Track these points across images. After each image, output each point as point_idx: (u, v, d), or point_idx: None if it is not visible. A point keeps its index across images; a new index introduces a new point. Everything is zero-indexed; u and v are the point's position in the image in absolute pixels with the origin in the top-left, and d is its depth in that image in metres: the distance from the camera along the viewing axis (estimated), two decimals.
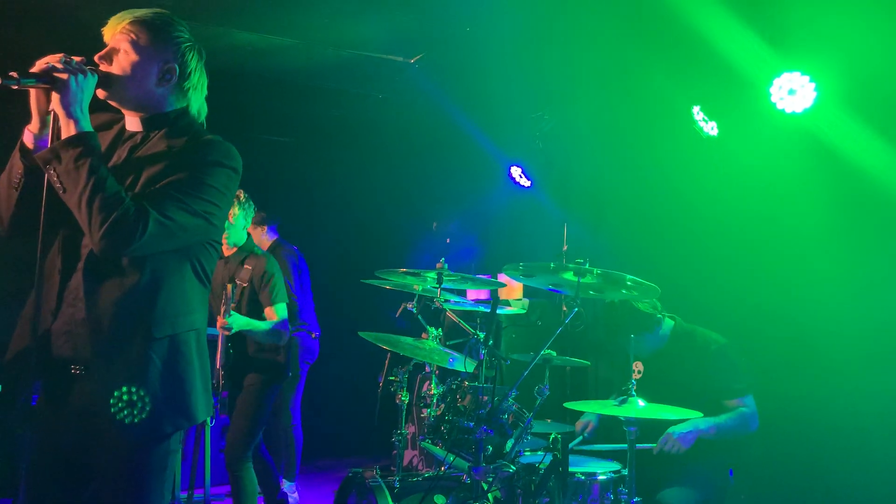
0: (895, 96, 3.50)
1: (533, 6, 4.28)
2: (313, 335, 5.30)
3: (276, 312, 3.88)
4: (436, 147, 6.61)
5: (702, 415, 3.00)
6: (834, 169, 3.72)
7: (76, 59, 1.84)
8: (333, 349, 5.63)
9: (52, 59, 1.81)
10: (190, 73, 2.04)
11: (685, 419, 3.07)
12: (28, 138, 1.89)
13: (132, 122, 2.04)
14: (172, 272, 1.95)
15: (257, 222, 5.10)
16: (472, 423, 2.89)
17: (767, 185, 4.07)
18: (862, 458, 3.61)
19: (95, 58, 1.93)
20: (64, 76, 1.79)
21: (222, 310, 3.65)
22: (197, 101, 2.10)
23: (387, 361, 4.32)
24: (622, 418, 2.86)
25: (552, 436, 3.01)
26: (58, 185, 1.80)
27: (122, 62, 1.94)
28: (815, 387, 3.82)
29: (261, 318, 3.87)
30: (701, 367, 3.36)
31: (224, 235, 3.86)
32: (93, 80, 1.86)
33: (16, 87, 1.77)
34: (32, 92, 1.86)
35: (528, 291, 5.58)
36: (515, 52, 4.79)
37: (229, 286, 3.67)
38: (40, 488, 1.93)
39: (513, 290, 5.63)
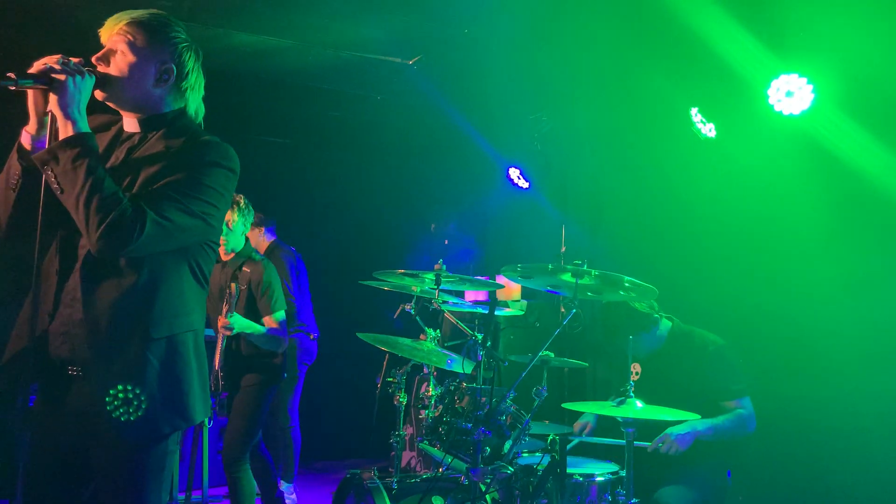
0: (893, 98, 3.50)
1: (531, 8, 4.28)
2: (311, 336, 5.30)
3: (276, 321, 3.89)
4: (434, 148, 6.61)
5: (699, 416, 3.00)
6: (831, 170, 3.72)
7: (74, 60, 1.84)
8: (332, 350, 5.63)
9: (50, 60, 1.81)
10: (187, 73, 2.04)
11: (683, 420, 3.07)
12: (26, 139, 1.89)
13: (130, 123, 2.04)
14: (170, 273, 1.95)
15: (255, 224, 5.10)
16: (470, 425, 2.90)
17: (765, 187, 4.07)
18: (860, 459, 3.61)
19: (93, 59, 1.93)
20: (62, 77, 1.79)
21: (224, 309, 3.65)
22: (194, 102, 2.10)
23: (385, 363, 4.32)
24: (620, 419, 2.86)
25: (550, 437, 3.01)
26: (55, 185, 1.80)
27: (119, 63, 1.94)
28: (813, 388, 3.82)
29: (258, 324, 3.88)
30: (698, 369, 3.36)
31: (222, 241, 3.87)
32: (90, 81, 1.86)
33: (14, 88, 1.78)
34: (30, 93, 1.86)
35: (526, 293, 5.58)
36: (514, 54, 4.79)
37: (233, 285, 3.68)
38: (38, 489, 1.93)
39: (511, 291, 5.63)
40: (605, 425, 3.70)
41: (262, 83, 5.66)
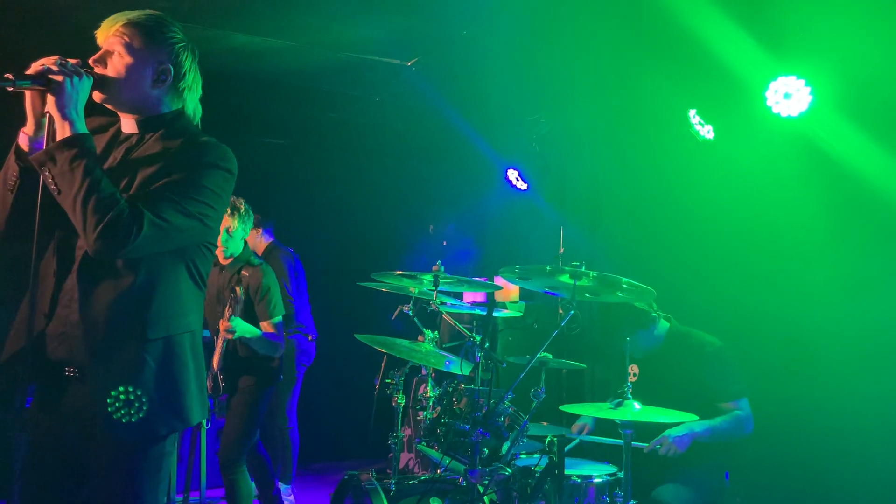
0: (891, 100, 3.51)
1: (530, 9, 4.29)
2: (310, 337, 5.29)
3: (273, 325, 3.89)
4: (432, 150, 6.62)
5: (697, 417, 3.00)
6: (830, 172, 3.73)
7: (72, 61, 1.84)
8: (330, 352, 5.63)
9: (48, 62, 1.81)
10: (185, 73, 2.04)
11: (681, 422, 3.08)
12: (23, 140, 1.89)
13: (128, 125, 2.04)
14: (167, 273, 1.95)
15: (253, 225, 5.09)
16: (468, 426, 2.90)
17: (763, 189, 4.07)
18: (858, 461, 3.62)
19: (90, 61, 1.93)
20: (59, 78, 1.79)
21: (227, 313, 3.65)
22: (192, 102, 2.10)
23: (383, 364, 4.32)
24: (618, 421, 2.87)
25: (548, 438, 3.01)
26: (53, 186, 1.80)
27: (116, 65, 1.94)
28: (811, 389, 3.82)
29: (257, 328, 3.88)
30: (696, 370, 3.36)
31: (222, 246, 3.87)
32: (88, 82, 1.86)
33: (11, 89, 1.78)
34: (28, 94, 1.86)
35: (524, 294, 5.58)
36: (512, 55, 4.80)
37: (238, 289, 3.68)
38: (35, 490, 1.93)
39: (509, 292, 5.63)
40: (604, 426, 3.70)
41: (260, 84, 5.66)
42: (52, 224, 1.90)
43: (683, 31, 3.78)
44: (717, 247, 4.30)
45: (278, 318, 3.92)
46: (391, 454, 3.67)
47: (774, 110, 3.73)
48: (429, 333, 3.50)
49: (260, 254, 5.14)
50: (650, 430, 3.20)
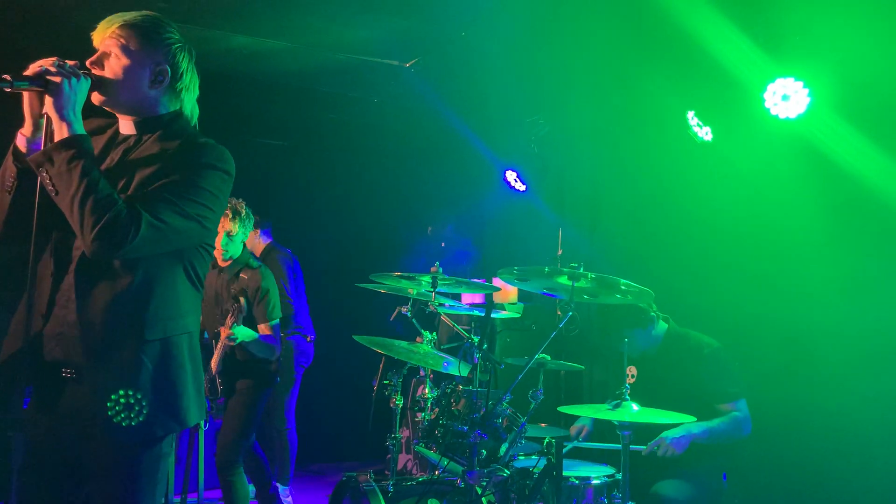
0: (888, 102, 3.51)
1: (528, 11, 4.29)
2: (308, 338, 5.29)
3: (271, 328, 3.89)
4: (431, 151, 6.62)
5: (695, 419, 3.00)
6: (828, 174, 3.73)
7: (70, 62, 1.84)
8: (328, 353, 5.63)
9: (46, 63, 1.81)
10: (182, 73, 2.04)
11: (678, 423, 3.08)
12: (21, 142, 1.89)
13: (126, 126, 2.04)
14: (165, 275, 1.95)
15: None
16: (466, 427, 2.89)
17: (761, 190, 4.08)
18: (857, 462, 3.62)
19: (87, 63, 1.93)
20: (57, 79, 1.79)
21: (229, 321, 3.65)
22: (190, 102, 2.10)
23: (381, 365, 4.31)
24: (616, 422, 2.87)
25: (546, 440, 3.01)
26: (50, 187, 1.80)
27: (113, 67, 1.94)
28: (809, 390, 3.83)
29: (255, 330, 3.88)
30: (694, 371, 3.37)
31: (222, 249, 3.87)
32: (86, 83, 1.86)
33: (9, 90, 1.78)
34: (25, 95, 1.86)
35: (522, 295, 5.58)
36: (511, 57, 4.80)
37: (242, 299, 3.68)
38: (32, 492, 1.93)
39: (507, 294, 5.63)
40: (602, 427, 3.70)
41: (259, 85, 5.66)
42: (50, 225, 1.89)
43: (682, 32, 3.78)
44: (716, 248, 4.30)
45: (276, 321, 3.93)
46: (389, 455, 3.66)
47: (773, 112, 3.73)
48: (427, 335, 3.50)
49: (258, 255, 5.14)
50: (648, 432, 3.21)
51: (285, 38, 4.83)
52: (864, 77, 3.52)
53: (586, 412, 3.23)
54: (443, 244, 6.46)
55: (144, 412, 1.86)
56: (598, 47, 4.43)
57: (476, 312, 4.47)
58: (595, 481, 3.09)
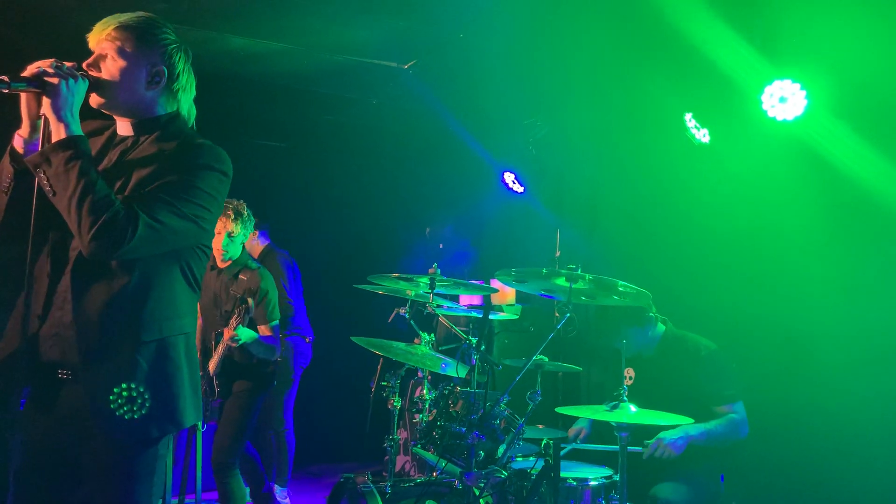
0: (886, 104, 3.52)
1: (526, 13, 4.29)
2: (307, 339, 5.29)
3: (271, 329, 3.90)
4: (429, 152, 6.62)
5: (693, 421, 3.01)
6: (825, 176, 3.73)
7: (67, 64, 1.84)
8: (326, 354, 5.62)
9: (43, 64, 1.81)
10: (178, 74, 2.04)
11: (676, 425, 3.08)
12: (18, 143, 1.89)
13: (123, 127, 2.04)
14: (162, 276, 1.95)
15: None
16: (464, 429, 2.90)
17: (759, 192, 4.08)
18: (855, 463, 3.62)
19: (83, 65, 1.93)
20: (55, 80, 1.79)
21: (233, 322, 3.65)
22: (186, 103, 2.10)
23: (379, 367, 4.31)
24: (614, 423, 2.87)
25: (544, 441, 3.01)
26: (48, 188, 1.80)
27: (110, 68, 1.95)
28: (807, 391, 3.83)
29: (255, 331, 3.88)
30: (691, 373, 3.37)
31: (222, 250, 3.87)
32: (83, 84, 1.86)
33: (6, 91, 1.78)
34: (23, 96, 1.86)
35: (520, 297, 5.58)
36: (509, 59, 4.80)
37: (249, 300, 3.68)
38: (28, 493, 1.93)
39: (505, 295, 5.63)
40: (600, 429, 3.70)
41: (257, 86, 5.65)
42: (47, 226, 1.90)
43: (679, 34, 3.79)
44: (714, 250, 4.31)
45: (276, 322, 3.93)
46: (387, 457, 3.67)
47: (770, 114, 3.74)
48: (425, 336, 3.50)
49: (256, 256, 5.13)
50: (646, 433, 3.21)
51: (283, 39, 4.84)
52: (861, 79, 3.52)
53: (584, 413, 3.24)
54: (441, 245, 6.46)
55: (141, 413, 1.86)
56: (596, 49, 4.43)
57: (474, 314, 4.47)
58: (593, 483, 3.09)
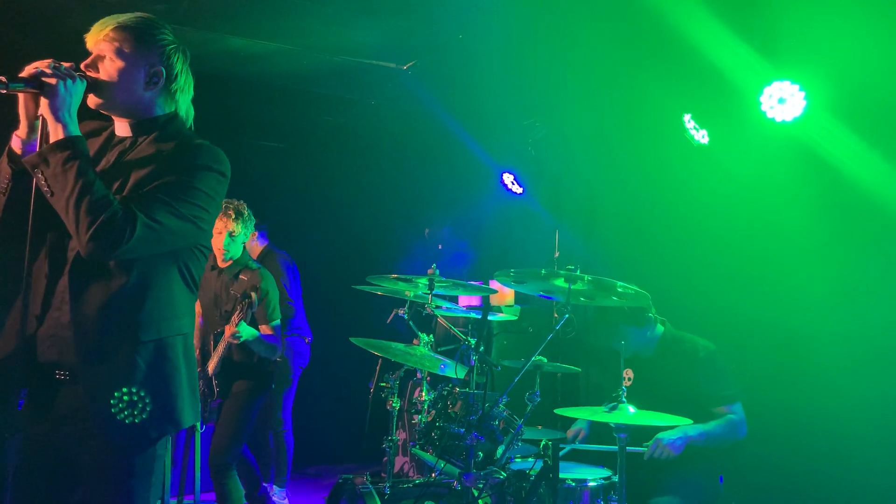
0: (884, 105, 3.52)
1: (525, 14, 4.29)
2: (306, 340, 5.30)
3: (272, 329, 3.90)
4: (428, 153, 6.62)
5: (691, 422, 3.01)
6: (824, 177, 3.74)
7: (65, 64, 1.84)
8: (325, 355, 5.62)
9: (41, 65, 1.81)
10: (176, 74, 2.04)
11: (675, 426, 3.08)
12: (16, 143, 1.89)
13: (121, 128, 2.04)
14: (160, 276, 1.95)
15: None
16: (462, 430, 2.90)
17: (758, 193, 4.09)
18: (853, 464, 3.62)
19: (81, 66, 1.93)
20: (52, 81, 1.79)
21: (235, 318, 3.64)
22: (184, 103, 2.10)
23: (378, 367, 4.31)
24: (612, 424, 2.87)
25: (543, 442, 3.01)
26: (46, 188, 1.80)
27: (108, 69, 1.94)
28: (805, 393, 3.83)
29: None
30: (690, 374, 3.37)
31: (223, 249, 3.87)
32: (81, 85, 1.86)
33: (4, 92, 1.78)
34: (21, 97, 1.86)
35: (519, 298, 5.58)
36: (508, 60, 4.80)
37: (253, 294, 3.68)
38: (27, 493, 1.92)
39: (504, 296, 5.63)
40: (599, 430, 3.70)
41: (256, 87, 5.65)
42: (45, 226, 1.89)
43: (678, 35, 3.79)
44: (713, 250, 4.31)
45: (277, 322, 3.93)
46: (386, 458, 3.66)
47: (769, 115, 3.74)
48: (424, 337, 3.50)
49: (255, 257, 5.13)
50: (645, 434, 3.21)
51: (282, 40, 4.84)
52: (859, 80, 3.53)
53: (583, 414, 3.23)
54: (440, 246, 6.47)
55: None
56: (595, 50, 4.43)
57: (473, 315, 4.47)
58: (592, 483, 3.09)
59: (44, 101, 1.80)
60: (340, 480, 3.43)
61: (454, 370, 3.22)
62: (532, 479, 2.97)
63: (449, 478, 3.28)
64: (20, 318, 1.84)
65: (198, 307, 4.17)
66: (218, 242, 3.85)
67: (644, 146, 4.87)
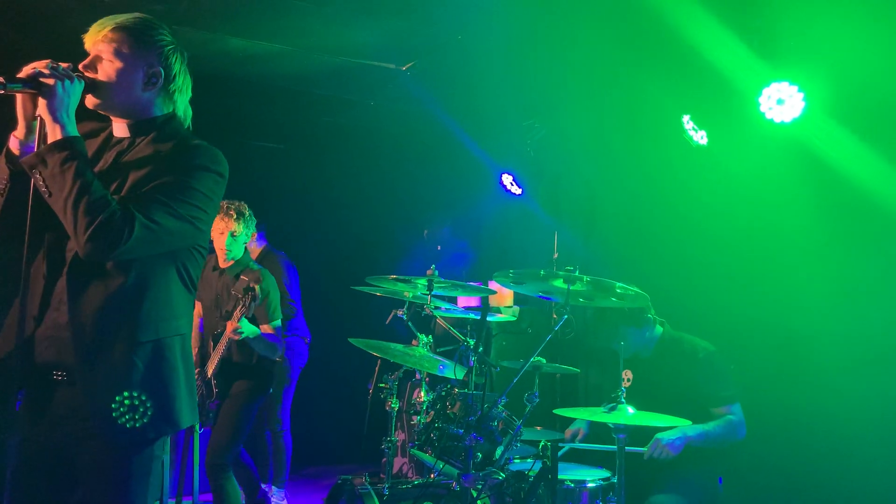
0: (882, 106, 3.53)
1: (524, 15, 4.30)
2: (305, 340, 5.29)
3: (273, 329, 3.91)
4: (427, 154, 6.62)
5: (690, 422, 3.01)
6: (822, 178, 3.74)
7: (63, 65, 1.84)
8: (324, 355, 5.62)
9: (39, 65, 1.80)
10: (175, 75, 2.04)
11: (674, 427, 3.08)
12: (14, 144, 1.88)
13: (119, 129, 2.04)
14: (158, 277, 1.94)
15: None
16: (461, 431, 2.89)
17: (757, 194, 4.09)
18: (853, 464, 3.62)
19: (80, 67, 1.93)
20: (50, 81, 1.79)
21: (238, 313, 3.64)
22: (182, 104, 2.10)
23: (377, 368, 4.31)
24: (611, 425, 2.87)
25: (542, 443, 3.01)
26: (44, 189, 1.80)
27: (107, 70, 1.94)
28: (804, 394, 3.83)
29: None
30: (689, 375, 3.37)
31: (225, 249, 3.88)
32: (79, 86, 1.86)
33: (2, 92, 1.77)
34: (19, 97, 1.85)
35: (518, 299, 5.58)
36: (507, 61, 4.81)
37: (257, 287, 3.67)
38: (25, 494, 1.92)
39: (503, 297, 5.63)
40: (598, 431, 3.70)
41: (255, 88, 5.65)
42: (43, 227, 1.89)
43: (677, 37, 3.80)
44: (712, 251, 4.31)
45: (277, 322, 3.94)
46: (385, 458, 3.66)
47: (768, 116, 3.74)
48: (423, 338, 3.50)
49: (254, 258, 5.13)
50: (644, 435, 3.21)
51: (282, 40, 4.84)
52: (858, 81, 3.53)
53: (582, 415, 3.23)
54: (439, 247, 6.46)
55: None
56: (594, 51, 4.44)
57: (472, 315, 4.47)
58: (590, 484, 3.09)
59: (42, 102, 1.80)
60: (339, 481, 3.43)
61: (453, 371, 3.22)
62: (531, 479, 2.97)
63: (448, 479, 3.27)
64: (18, 319, 1.83)
65: (198, 308, 4.18)
66: (220, 243, 3.87)
67: (643, 147, 4.87)
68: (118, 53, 1.94)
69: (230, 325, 3.65)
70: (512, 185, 5.98)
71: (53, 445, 1.90)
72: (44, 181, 1.79)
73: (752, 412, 3.43)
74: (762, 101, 3.74)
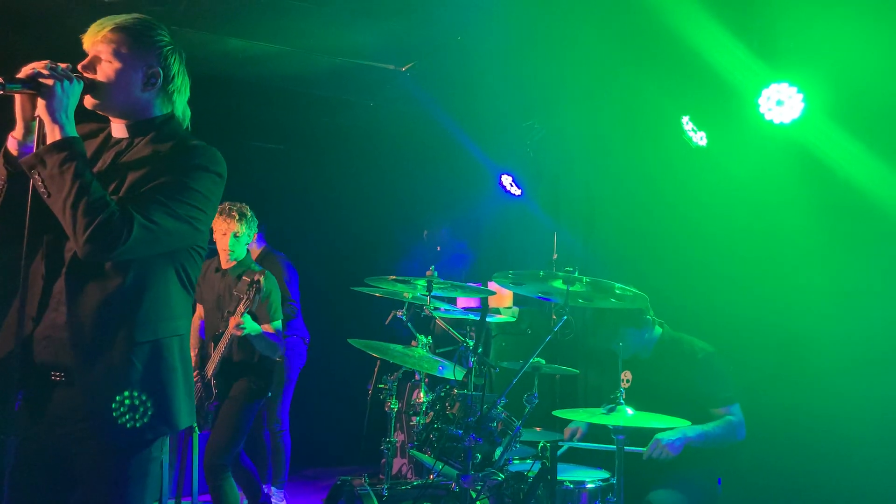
0: (882, 107, 3.53)
1: (524, 16, 4.30)
2: (305, 340, 5.29)
3: (274, 329, 3.92)
4: (427, 155, 6.62)
5: (690, 423, 3.00)
6: (822, 179, 3.74)
7: (62, 65, 1.84)
8: (323, 356, 5.61)
9: (38, 66, 1.80)
10: (173, 76, 2.04)
11: (673, 428, 3.08)
12: (12, 145, 1.88)
13: (118, 129, 2.04)
14: (156, 277, 1.94)
15: None
16: (460, 431, 2.89)
17: (756, 195, 4.09)
18: (853, 466, 3.62)
19: (78, 67, 1.93)
20: (49, 82, 1.79)
21: (241, 308, 3.64)
22: (181, 104, 2.10)
23: (376, 369, 4.31)
24: (611, 426, 2.87)
25: (541, 444, 3.00)
26: (42, 189, 1.80)
27: (106, 70, 1.94)
28: (803, 395, 3.83)
29: None
30: (688, 376, 3.37)
31: (228, 250, 3.89)
32: (78, 86, 1.86)
33: (1, 93, 1.77)
34: (17, 98, 1.85)
35: (517, 300, 5.58)
36: (506, 62, 4.81)
37: (261, 280, 3.67)
38: (23, 495, 1.92)
39: (502, 298, 5.63)
40: (597, 432, 3.70)
41: (254, 88, 5.66)
42: (42, 228, 1.89)
43: (677, 38, 3.80)
44: (711, 252, 4.31)
45: (278, 322, 3.95)
46: (384, 459, 3.66)
47: (767, 117, 3.74)
48: (422, 338, 3.49)
49: (254, 259, 5.13)
50: (643, 436, 3.21)
51: (281, 41, 4.84)
52: (858, 82, 3.53)
53: (581, 416, 3.23)
54: (438, 248, 6.47)
55: None
56: (593, 52, 4.44)
57: (471, 316, 4.47)
58: (590, 485, 3.09)
59: (41, 103, 1.80)
60: (338, 482, 3.43)
61: (452, 372, 3.22)
62: (530, 480, 2.97)
63: (447, 479, 3.27)
64: (16, 320, 1.83)
65: (199, 311, 4.18)
66: (223, 243, 3.89)
67: (643, 148, 4.87)
68: (117, 54, 1.94)
69: (233, 321, 3.65)
70: (511, 185, 5.98)
71: (52, 446, 1.90)
72: (43, 182, 1.79)
73: (752, 413, 3.43)
74: (762, 102, 3.74)
